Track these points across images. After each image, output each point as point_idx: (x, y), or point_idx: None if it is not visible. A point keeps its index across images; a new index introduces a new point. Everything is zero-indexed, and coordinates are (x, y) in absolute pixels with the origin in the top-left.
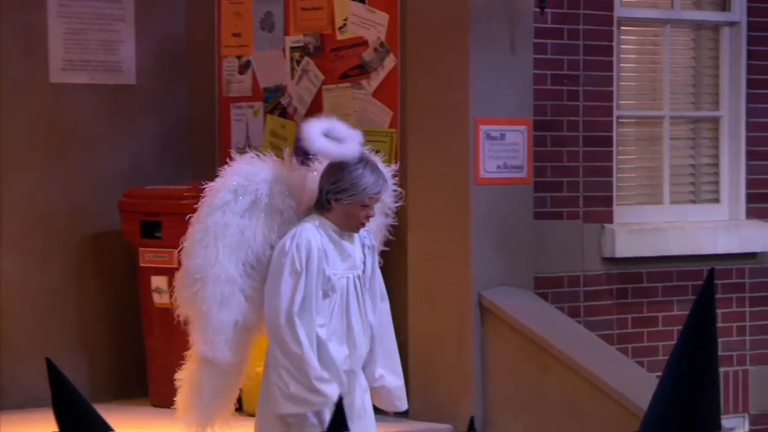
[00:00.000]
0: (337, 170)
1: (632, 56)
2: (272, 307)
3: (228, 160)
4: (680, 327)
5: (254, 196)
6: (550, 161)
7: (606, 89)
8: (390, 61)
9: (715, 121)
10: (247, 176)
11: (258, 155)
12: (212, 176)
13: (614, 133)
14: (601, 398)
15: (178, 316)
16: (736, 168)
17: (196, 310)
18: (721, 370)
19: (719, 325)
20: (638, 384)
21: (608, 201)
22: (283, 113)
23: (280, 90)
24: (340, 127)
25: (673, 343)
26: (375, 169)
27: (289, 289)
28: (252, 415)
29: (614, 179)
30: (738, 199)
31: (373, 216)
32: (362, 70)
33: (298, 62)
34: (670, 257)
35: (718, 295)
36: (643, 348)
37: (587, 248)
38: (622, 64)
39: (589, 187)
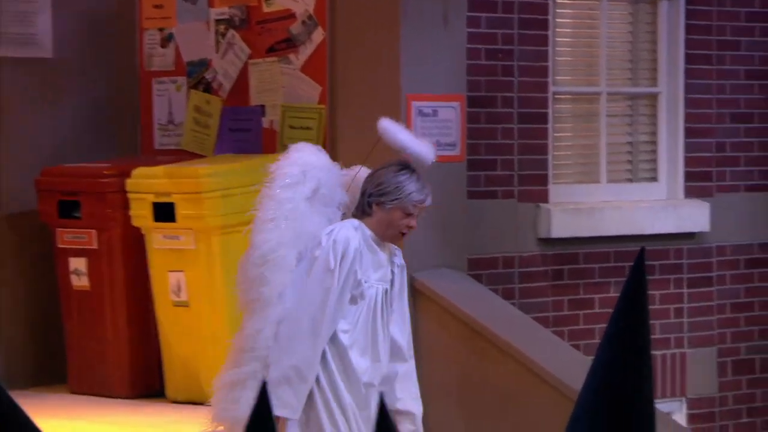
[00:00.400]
0: (383, 173)
1: (568, 30)
2: (293, 302)
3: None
4: None
5: (317, 183)
6: (484, 138)
7: (541, 64)
8: (318, 35)
9: (653, 97)
10: (310, 160)
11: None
12: (134, 154)
13: (550, 110)
14: (537, 383)
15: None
16: (674, 146)
17: (256, 294)
18: (659, 353)
19: (656, 307)
20: (574, 368)
21: (543, 180)
22: (208, 88)
23: (204, 64)
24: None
25: None
26: (420, 178)
27: (318, 289)
28: (177, 402)
29: (550, 157)
30: (676, 178)
31: (414, 227)
32: (290, 43)
33: (223, 35)
34: (606, 237)
35: (656, 276)
36: (579, 331)
37: (522, 228)
38: (557, 39)
39: (524, 166)
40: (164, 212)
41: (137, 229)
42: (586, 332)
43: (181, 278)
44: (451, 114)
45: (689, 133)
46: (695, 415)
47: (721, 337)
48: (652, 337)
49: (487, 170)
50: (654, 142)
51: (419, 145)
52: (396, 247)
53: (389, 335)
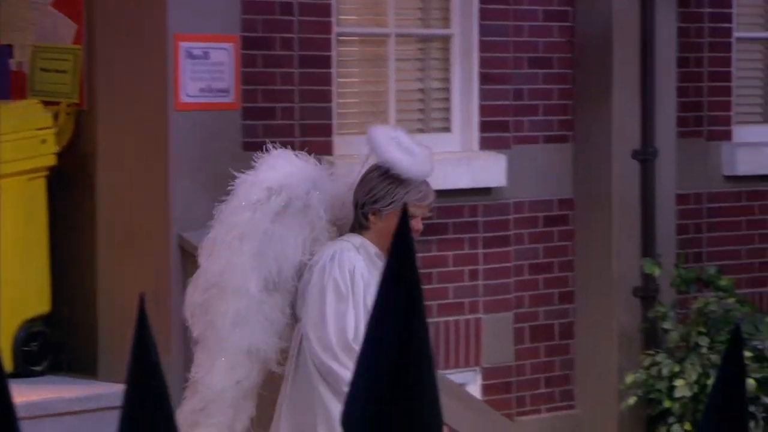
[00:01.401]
0: (372, 178)
1: None
2: (320, 340)
3: (263, 151)
4: None
5: (288, 199)
6: (261, 84)
7: (324, 2)
8: None
9: (446, 40)
10: (284, 173)
11: (297, 154)
12: None
13: (334, 53)
14: None
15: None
16: (468, 93)
17: (206, 323)
18: (452, 319)
19: (450, 269)
20: None
21: (327, 130)
22: None
23: None
24: (406, 138)
25: None
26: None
27: (337, 315)
28: None
29: (334, 105)
30: (470, 128)
31: (420, 230)
32: None
33: None
34: None
35: (449, 236)
36: None
37: None
38: None
39: (306, 114)
40: None
41: None
42: None
43: None
44: (223, 56)
45: (484, 79)
46: (490, 385)
47: (519, 300)
48: (445, 301)
49: (264, 119)
50: (447, 89)
51: (414, 163)
52: None
53: None
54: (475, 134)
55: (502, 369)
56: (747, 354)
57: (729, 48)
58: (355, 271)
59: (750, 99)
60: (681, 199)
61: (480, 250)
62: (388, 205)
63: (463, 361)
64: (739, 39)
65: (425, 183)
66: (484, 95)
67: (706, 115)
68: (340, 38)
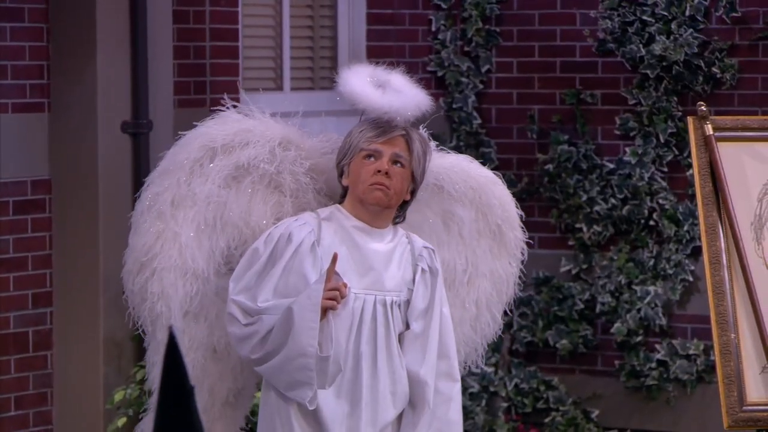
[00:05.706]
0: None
1: None
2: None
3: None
4: None
5: (245, 159)
6: None
7: None
8: None
9: None
10: (235, 130)
11: (261, 110)
12: None
13: None
14: None
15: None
16: None
17: (147, 312)
18: None
19: None
20: None
21: None
22: None
23: None
24: (381, 73)
25: None
26: (381, 117)
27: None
28: None
29: None
30: None
31: (384, 170)
32: None
33: None
34: None
35: None
36: None
37: None
38: None
39: None
40: None
41: None
42: None
43: None
44: None
45: None
46: None
47: None
48: None
49: None
50: None
51: (382, 98)
52: (424, 245)
53: (398, 369)
54: None
55: None
56: None
57: (236, 1)
58: (292, 233)
59: (261, 62)
60: None
61: None
62: (346, 154)
63: None
64: None
65: (387, 122)
66: None
67: (209, 81)
68: None
